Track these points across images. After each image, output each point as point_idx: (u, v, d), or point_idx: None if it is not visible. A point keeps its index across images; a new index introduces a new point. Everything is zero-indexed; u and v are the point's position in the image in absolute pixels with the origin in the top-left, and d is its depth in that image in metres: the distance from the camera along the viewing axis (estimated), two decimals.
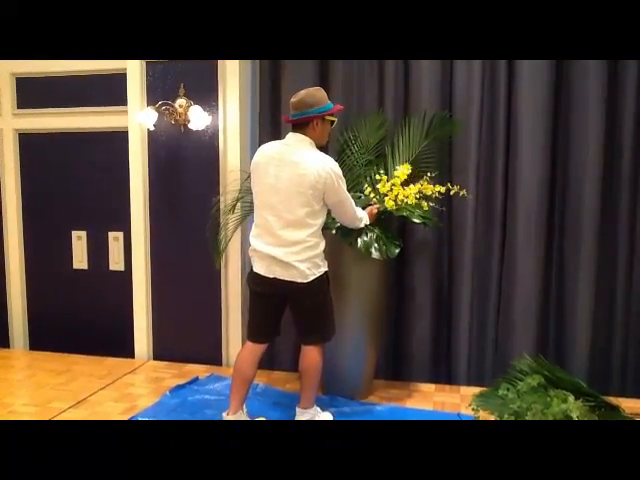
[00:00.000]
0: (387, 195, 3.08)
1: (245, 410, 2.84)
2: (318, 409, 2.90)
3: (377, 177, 3.17)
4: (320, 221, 2.68)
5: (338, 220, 2.87)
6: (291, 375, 3.59)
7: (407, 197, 3.03)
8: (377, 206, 3.04)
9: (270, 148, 2.71)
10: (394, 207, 3.03)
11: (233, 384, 2.79)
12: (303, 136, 2.65)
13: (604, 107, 3.21)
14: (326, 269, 2.74)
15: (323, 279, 2.72)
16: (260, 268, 2.68)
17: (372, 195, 3.15)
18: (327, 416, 2.93)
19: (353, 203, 2.81)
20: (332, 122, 2.75)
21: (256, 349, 2.80)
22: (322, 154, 2.67)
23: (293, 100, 2.65)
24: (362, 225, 2.91)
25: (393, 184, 3.09)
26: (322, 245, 2.70)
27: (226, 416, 2.76)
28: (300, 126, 2.66)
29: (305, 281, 2.64)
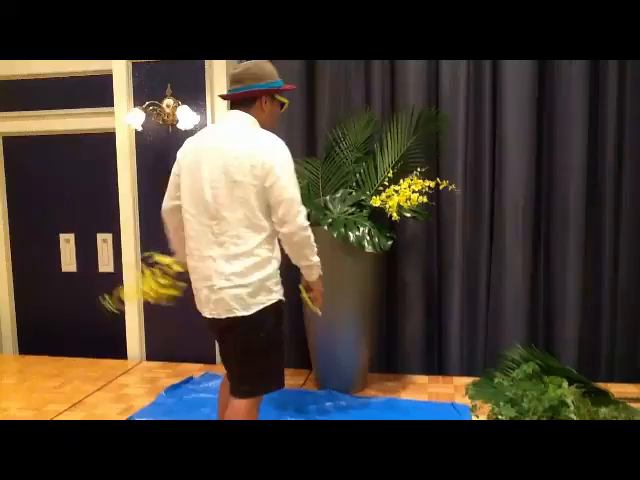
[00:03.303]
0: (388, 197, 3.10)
1: None
2: None
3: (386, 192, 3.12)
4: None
5: (279, 221, 2.03)
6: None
7: (410, 199, 3.06)
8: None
9: (200, 135, 2.15)
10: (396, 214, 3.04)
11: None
12: (244, 114, 2.10)
13: (587, 101, 3.29)
14: (280, 297, 2.12)
15: (273, 311, 2.09)
16: (199, 304, 2.17)
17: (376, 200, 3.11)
18: None
19: (304, 212, 2.07)
20: (282, 104, 2.22)
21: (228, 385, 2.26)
22: (268, 132, 2.10)
23: (234, 72, 2.13)
24: (313, 260, 2.14)
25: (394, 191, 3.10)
26: (275, 263, 2.09)
27: None
28: (243, 104, 2.11)
29: (246, 314, 2.04)
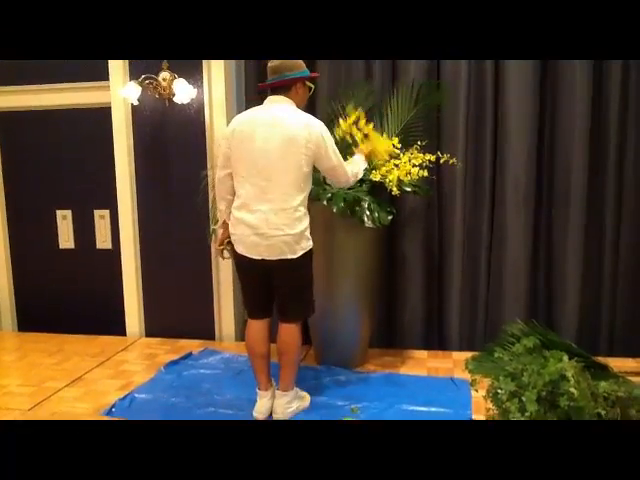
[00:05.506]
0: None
1: (275, 385, 2.77)
2: (298, 390, 2.81)
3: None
4: (309, 189, 2.63)
5: (333, 182, 2.81)
6: None
7: (410, 173, 3.02)
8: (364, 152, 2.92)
9: (251, 114, 2.63)
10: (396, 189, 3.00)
11: (252, 363, 2.75)
12: (285, 98, 2.60)
13: (591, 72, 3.24)
14: (311, 245, 2.66)
15: (309, 255, 2.65)
16: (245, 249, 2.60)
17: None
18: (306, 397, 2.86)
19: (342, 161, 2.72)
20: (310, 88, 2.71)
21: (260, 325, 2.73)
22: (307, 114, 2.62)
23: (272, 64, 2.60)
24: (357, 178, 2.81)
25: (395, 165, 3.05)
26: (308, 218, 2.63)
27: (259, 392, 2.72)
28: (282, 89, 2.60)
29: (294, 257, 2.56)
